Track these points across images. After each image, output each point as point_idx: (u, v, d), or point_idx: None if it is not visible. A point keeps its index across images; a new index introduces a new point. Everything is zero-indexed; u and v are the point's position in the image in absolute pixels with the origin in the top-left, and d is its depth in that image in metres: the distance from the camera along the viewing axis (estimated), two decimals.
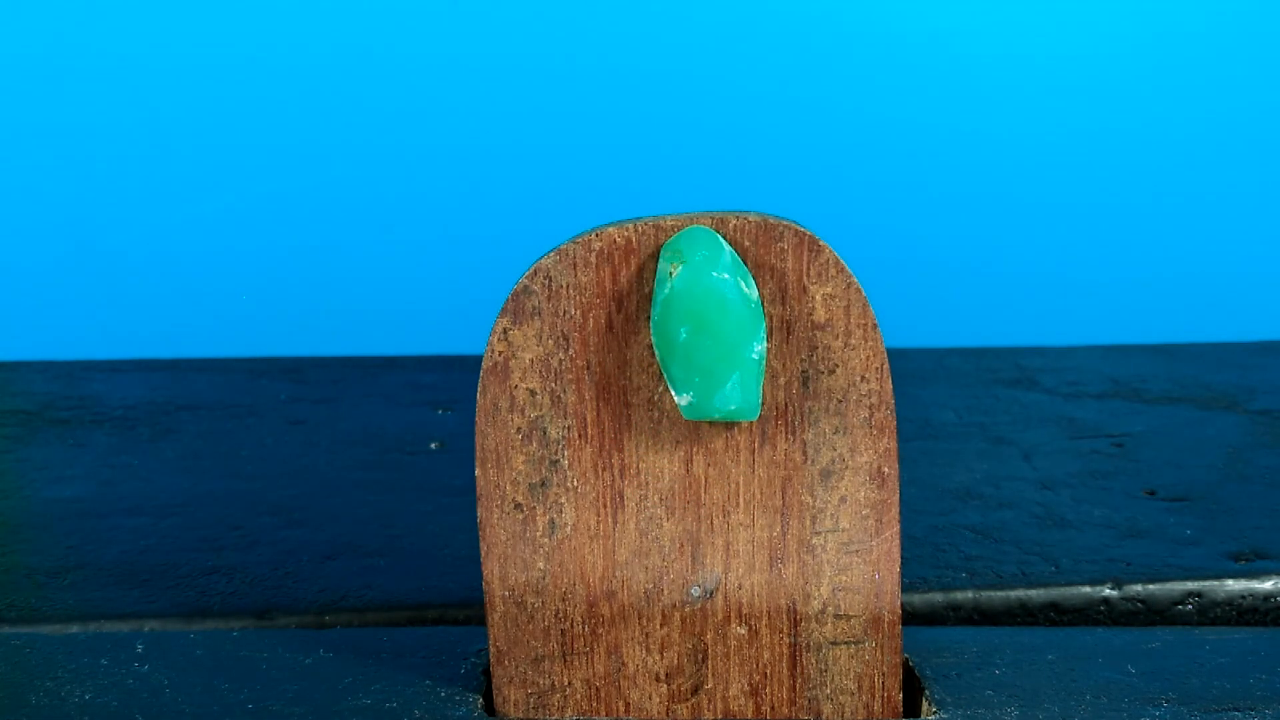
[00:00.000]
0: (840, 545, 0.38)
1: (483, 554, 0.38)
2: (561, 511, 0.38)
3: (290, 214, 1.02)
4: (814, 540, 0.38)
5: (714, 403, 0.36)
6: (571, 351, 0.38)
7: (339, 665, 0.41)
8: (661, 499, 0.38)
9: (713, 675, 0.39)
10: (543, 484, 0.38)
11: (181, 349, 0.84)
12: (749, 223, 0.37)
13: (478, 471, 0.38)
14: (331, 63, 1.01)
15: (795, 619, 0.39)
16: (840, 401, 0.38)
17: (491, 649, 0.39)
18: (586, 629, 0.39)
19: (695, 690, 0.39)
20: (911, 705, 0.41)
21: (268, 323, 1.00)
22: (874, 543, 0.38)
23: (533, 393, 0.38)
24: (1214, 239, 1.06)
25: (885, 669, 0.39)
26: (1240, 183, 1.06)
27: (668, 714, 0.39)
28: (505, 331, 0.37)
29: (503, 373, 0.38)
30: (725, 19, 1.03)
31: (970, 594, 0.49)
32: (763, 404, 0.38)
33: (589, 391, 0.38)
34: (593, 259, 0.37)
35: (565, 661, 0.39)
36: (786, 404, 0.38)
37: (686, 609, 0.39)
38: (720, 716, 0.39)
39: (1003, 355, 0.77)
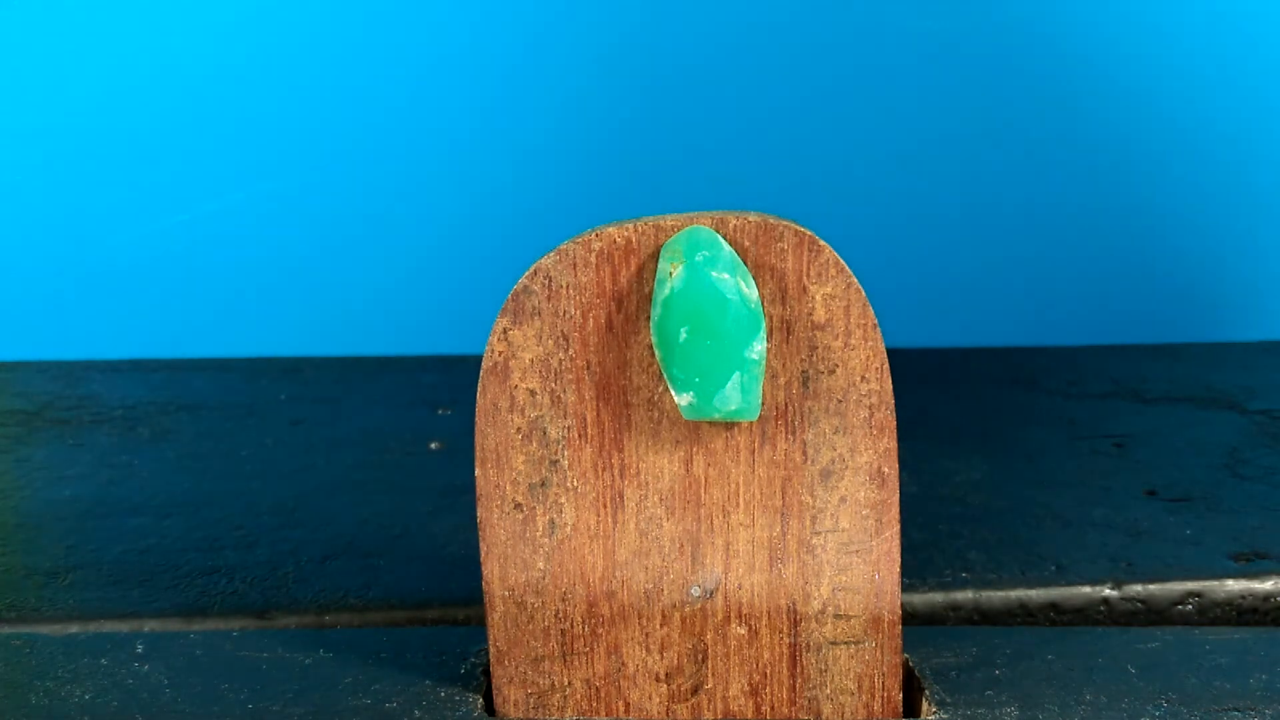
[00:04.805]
0: (840, 545, 0.38)
1: (483, 554, 0.38)
2: (561, 511, 0.38)
3: (290, 214, 1.02)
4: (814, 540, 0.38)
5: (714, 403, 0.36)
6: (571, 351, 0.38)
7: (339, 665, 0.41)
8: (661, 499, 0.38)
9: (713, 675, 0.39)
10: (543, 484, 0.38)
11: (181, 349, 0.84)
12: (749, 223, 0.37)
13: (478, 471, 0.38)
14: (332, 62, 1.01)
15: (795, 619, 0.39)
16: (840, 401, 0.38)
17: (491, 649, 0.39)
18: (586, 629, 0.39)
19: (695, 690, 0.39)
20: (911, 705, 0.41)
21: (268, 323, 1.00)
22: (874, 543, 0.38)
23: (533, 393, 0.38)
24: (1214, 239, 1.06)
25: (885, 669, 0.39)
26: (1241, 183, 1.06)
27: (668, 714, 0.39)
28: (505, 331, 0.37)
29: (503, 373, 0.38)
30: (725, 19, 1.03)
31: (970, 594, 0.49)
32: (763, 404, 0.38)
33: (589, 391, 0.38)
34: (593, 259, 0.37)
35: (565, 661, 0.39)
36: (786, 404, 0.38)
37: (686, 609, 0.39)
38: (720, 716, 0.39)
39: (1003, 355, 0.77)
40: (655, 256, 0.37)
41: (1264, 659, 0.42)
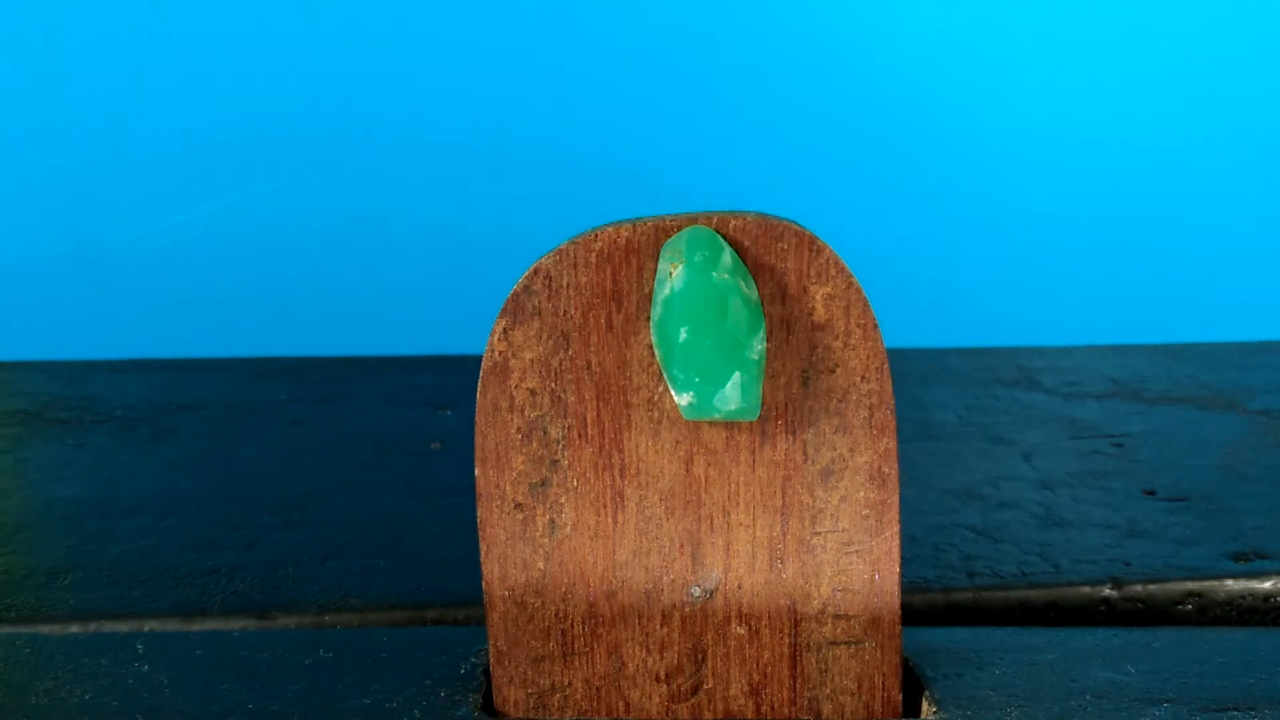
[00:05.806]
0: (840, 545, 0.38)
1: (483, 554, 0.38)
2: (561, 511, 0.38)
3: (290, 214, 1.02)
4: (814, 540, 0.38)
5: (714, 403, 0.36)
6: (571, 351, 0.38)
7: (339, 665, 0.41)
8: (661, 499, 0.38)
9: (713, 675, 0.39)
10: (543, 484, 0.38)
11: (181, 349, 0.84)
12: (749, 223, 0.37)
13: (478, 471, 0.38)
14: (331, 63, 1.01)
15: (795, 619, 0.39)
16: (840, 401, 0.38)
17: (491, 649, 0.39)
18: (586, 629, 0.39)
19: (695, 690, 0.39)
20: (911, 705, 0.41)
21: (268, 323, 1.00)
22: (874, 543, 0.38)
23: (533, 393, 0.38)
24: (1214, 239, 1.06)
25: (885, 669, 0.39)
26: (1240, 183, 1.06)
27: (668, 714, 0.39)
28: (505, 331, 0.37)
29: (503, 373, 0.38)
30: (725, 19, 1.03)
31: (970, 594, 0.49)
32: (763, 404, 0.38)
33: (589, 391, 0.38)
34: (593, 259, 0.37)
35: (565, 661, 0.39)
36: (786, 404, 0.38)
37: (686, 609, 0.39)
38: (720, 716, 0.39)
39: (1003, 355, 0.77)
40: (655, 256, 0.37)
41: (1264, 659, 0.42)
